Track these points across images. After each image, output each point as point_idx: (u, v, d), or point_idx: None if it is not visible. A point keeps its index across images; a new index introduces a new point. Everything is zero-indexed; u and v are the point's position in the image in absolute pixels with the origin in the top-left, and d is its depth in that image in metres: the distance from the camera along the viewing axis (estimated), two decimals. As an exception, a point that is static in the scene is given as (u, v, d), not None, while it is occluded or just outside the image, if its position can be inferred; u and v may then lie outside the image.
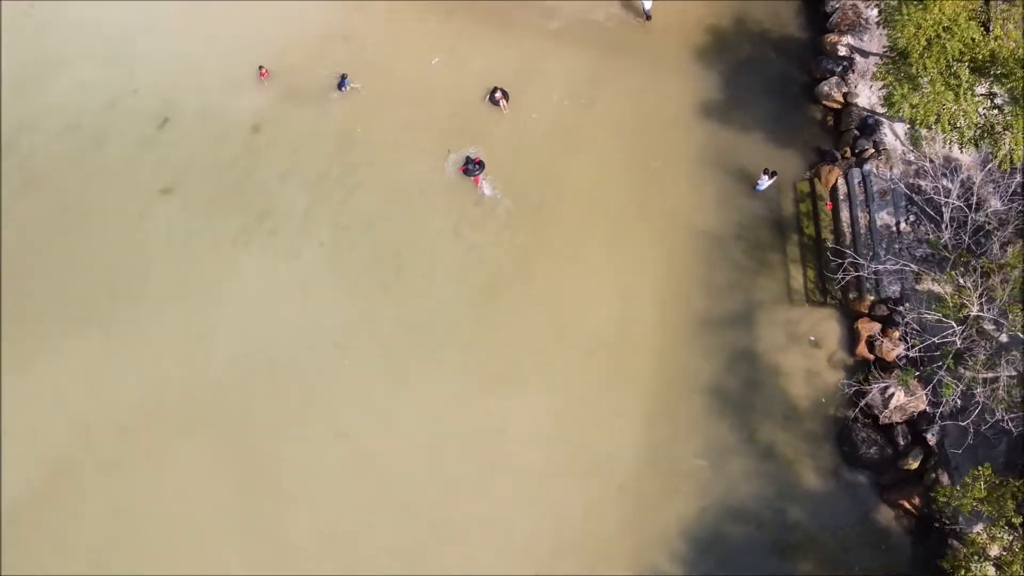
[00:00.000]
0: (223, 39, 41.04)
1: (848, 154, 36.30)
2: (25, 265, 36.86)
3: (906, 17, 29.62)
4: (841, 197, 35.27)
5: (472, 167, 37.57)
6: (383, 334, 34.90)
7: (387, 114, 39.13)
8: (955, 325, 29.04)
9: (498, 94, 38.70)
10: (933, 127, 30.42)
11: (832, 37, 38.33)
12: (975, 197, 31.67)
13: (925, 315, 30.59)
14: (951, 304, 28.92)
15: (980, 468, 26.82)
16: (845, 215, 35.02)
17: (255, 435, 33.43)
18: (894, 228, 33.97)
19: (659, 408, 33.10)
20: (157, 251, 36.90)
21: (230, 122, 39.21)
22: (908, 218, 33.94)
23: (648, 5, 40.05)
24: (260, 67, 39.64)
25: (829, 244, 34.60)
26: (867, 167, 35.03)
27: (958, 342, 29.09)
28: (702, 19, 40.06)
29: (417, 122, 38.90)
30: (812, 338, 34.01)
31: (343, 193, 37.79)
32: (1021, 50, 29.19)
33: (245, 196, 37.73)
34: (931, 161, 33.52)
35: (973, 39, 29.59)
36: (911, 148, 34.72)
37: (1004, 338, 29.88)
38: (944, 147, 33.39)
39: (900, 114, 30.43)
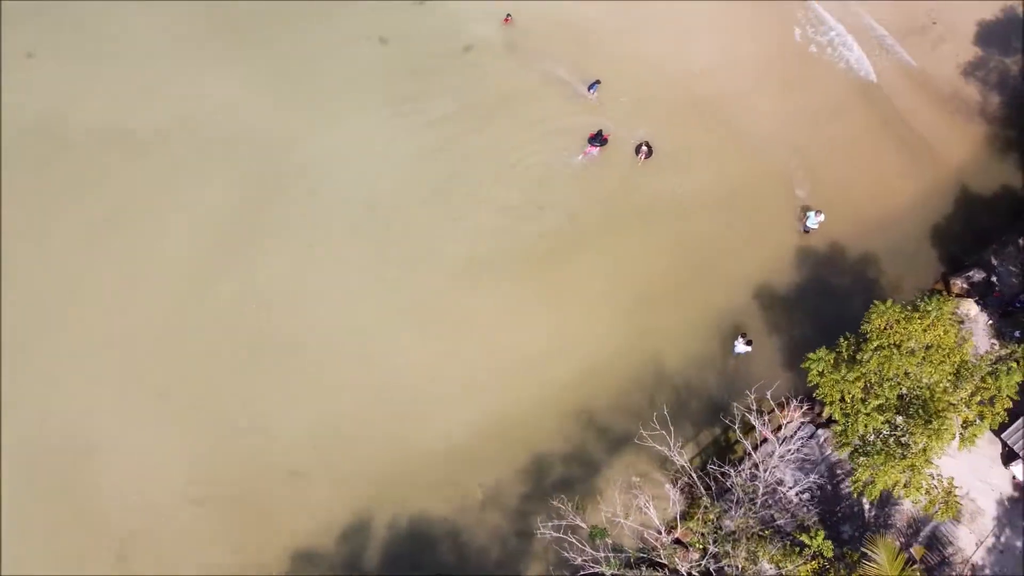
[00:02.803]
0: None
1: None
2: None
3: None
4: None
5: (596, 139, 45.11)
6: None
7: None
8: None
9: (644, 148, 45.44)
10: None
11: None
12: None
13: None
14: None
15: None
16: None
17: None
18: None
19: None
20: (346, 71, 48.29)
21: (456, 36, 49.44)
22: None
23: (814, 224, 43.27)
24: (508, 14, 49.60)
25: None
26: None
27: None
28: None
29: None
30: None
31: (477, 119, 46.84)
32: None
33: (422, 84, 47.75)
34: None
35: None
36: None
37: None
38: None
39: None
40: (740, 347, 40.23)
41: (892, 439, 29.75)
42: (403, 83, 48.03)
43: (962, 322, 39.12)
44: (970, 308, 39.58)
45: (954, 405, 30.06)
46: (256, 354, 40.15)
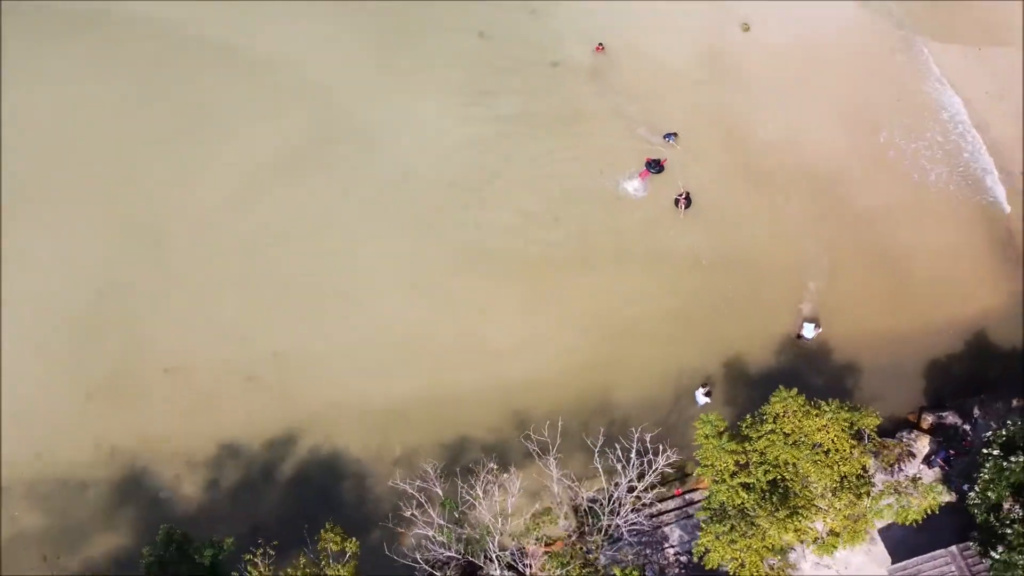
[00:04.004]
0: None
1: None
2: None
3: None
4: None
5: (653, 164, 46.84)
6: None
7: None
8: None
9: (683, 198, 46.52)
10: None
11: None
12: None
13: None
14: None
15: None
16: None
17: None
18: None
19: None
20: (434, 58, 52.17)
21: (549, 50, 52.32)
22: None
23: (810, 333, 42.85)
24: (600, 43, 51.97)
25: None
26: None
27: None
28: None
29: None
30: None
31: (536, 128, 49.58)
32: None
33: (501, 83, 51.10)
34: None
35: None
36: None
37: None
38: None
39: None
40: (700, 397, 40.81)
41: (744, 518, 29.85)
42: (485, 78, 51.42)
43: (911, 455, 38.36)
44: (924, 444, 38.39)
45: (819, 508, 29.80)
46: (263, 270, 44.68)
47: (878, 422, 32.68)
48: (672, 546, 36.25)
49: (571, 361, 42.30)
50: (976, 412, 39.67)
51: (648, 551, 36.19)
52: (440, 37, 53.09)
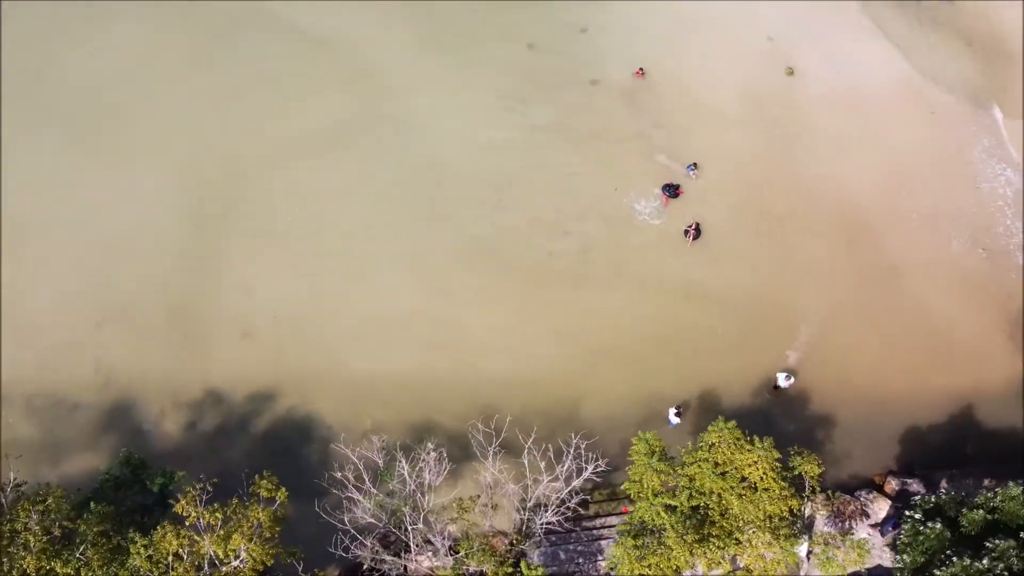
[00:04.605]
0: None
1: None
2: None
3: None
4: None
5: (670, 189, 47.85)
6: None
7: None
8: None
9: (692, 229, 47.00)
10: None
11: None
12: None
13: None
14: None
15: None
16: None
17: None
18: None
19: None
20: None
21: (591, 68, 53.72)
22: None
23: (785, 383, 42.44)
24: (641, 68, 52.90)
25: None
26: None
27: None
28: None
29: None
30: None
31: (565, 141, 50.99)
32: None
33: (539, 93, 52.61)
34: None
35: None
36: None
37: None
38: None
39: None
40: (672, 417, 41.17)
41: (656, 537, 30.26)
42: (525, 85, 53.02)
43: (866, 514, 37.97)
44: (882, 507, 37.91)
45: (738, 542, 30.00)
46: (280, 231, 47.23)
47: (819, 470, 32.64)
48: (605, 559, 36.72)
49: (547, 367, 43.22)
50: (944, 485, 38.86)
51: (581, 560, 36.80)
52: (492, 43, 55.04)
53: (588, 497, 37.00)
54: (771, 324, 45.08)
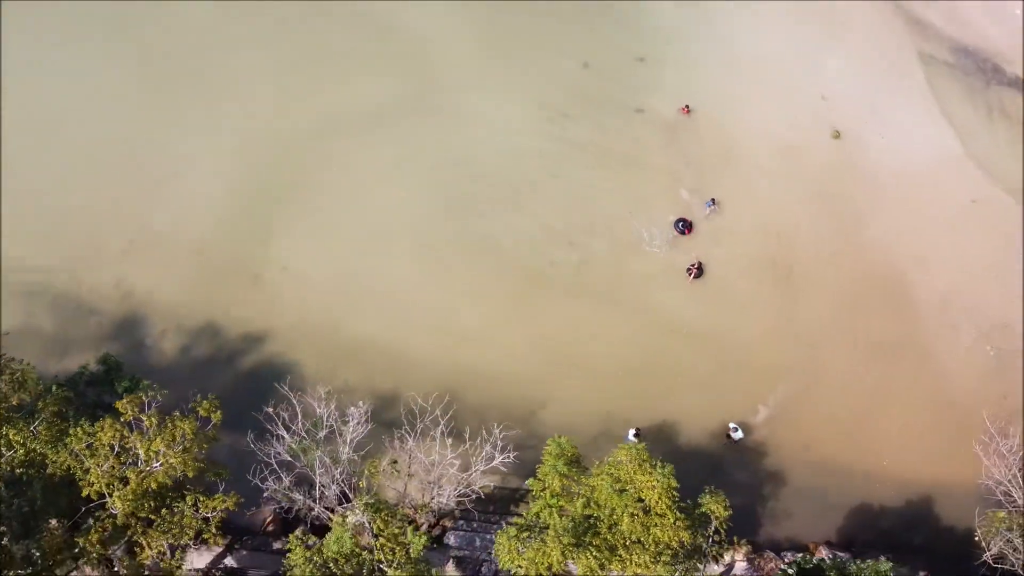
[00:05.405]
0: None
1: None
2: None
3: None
4: None
5: (683, 224, 48.84)
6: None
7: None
8: None
9: (695, 267, 47.61)
10: None
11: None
12: None
13: None
14: None
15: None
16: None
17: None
18: None
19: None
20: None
21: (638, 96, 54.79)
22: None
23: (738, 436, 42.79)
24: (687, 105, 53.75)
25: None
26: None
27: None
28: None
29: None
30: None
31: (596, 159, 52.25)
32: None
33: (582, 110, 54.05)
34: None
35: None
36: None
37: None
38: None
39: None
40: (631, 437, 41.95)
41: (538, 534, 31.30)
42: (570, 101, 54.57)
43: None
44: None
45: (620, 557, 30.69)
46: (307, 191, 50.15)
47: (726, 513, 32.91)
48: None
49: (518, 366, 44.78)
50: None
51: (492, 549, 37.97)
52: (550, 56, 56.73)
53: (491, 485, 38.29)
54: (750, 375, 45.31)
